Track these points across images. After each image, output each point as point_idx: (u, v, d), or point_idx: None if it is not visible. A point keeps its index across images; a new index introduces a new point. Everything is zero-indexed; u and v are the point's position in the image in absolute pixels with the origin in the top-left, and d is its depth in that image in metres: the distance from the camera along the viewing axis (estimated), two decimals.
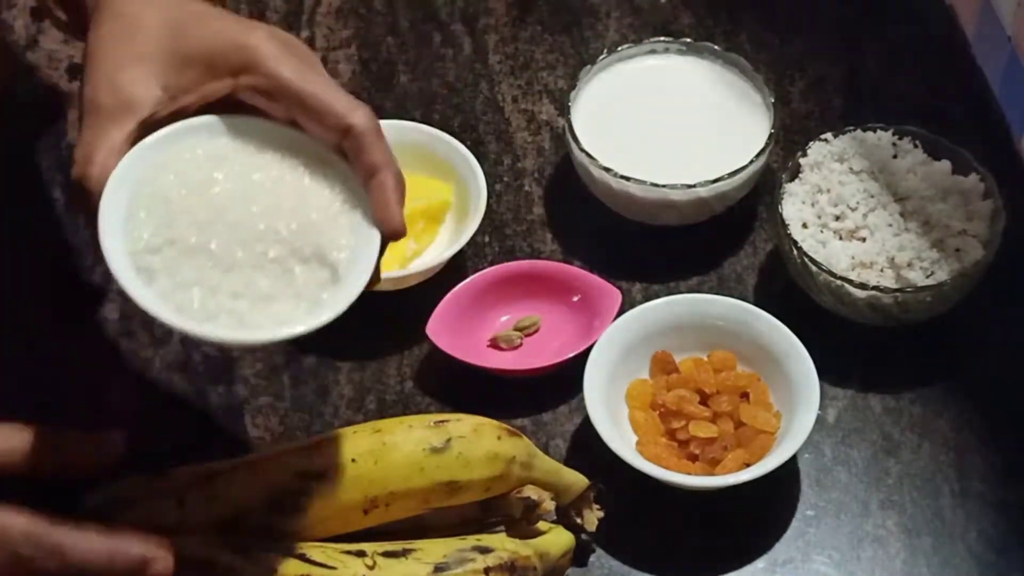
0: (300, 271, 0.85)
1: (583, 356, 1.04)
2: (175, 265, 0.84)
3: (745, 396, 1.04)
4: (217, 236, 0.84)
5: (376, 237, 0.87)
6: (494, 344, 1.10)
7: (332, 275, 0.86)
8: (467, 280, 1.10)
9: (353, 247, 0.87)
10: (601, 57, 1.18)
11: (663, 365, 1.06)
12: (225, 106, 0.88)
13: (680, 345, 1.06)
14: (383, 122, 1.17)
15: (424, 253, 1.13)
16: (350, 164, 0.88)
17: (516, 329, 1.10)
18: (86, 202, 0.85)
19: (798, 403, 1.01)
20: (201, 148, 0.87)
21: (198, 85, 0.87)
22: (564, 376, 1.06)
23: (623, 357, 1.05)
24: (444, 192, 1.14)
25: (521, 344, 1.10)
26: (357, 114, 0.87)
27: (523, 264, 1.12)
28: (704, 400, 1.04)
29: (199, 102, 0.88)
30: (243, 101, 0.88)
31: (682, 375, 1.05)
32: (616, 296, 1.09)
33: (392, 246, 1.11)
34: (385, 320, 1.10)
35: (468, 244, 1.11)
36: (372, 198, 0.87)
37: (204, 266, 0.84)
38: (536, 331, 1.10)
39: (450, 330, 1.07)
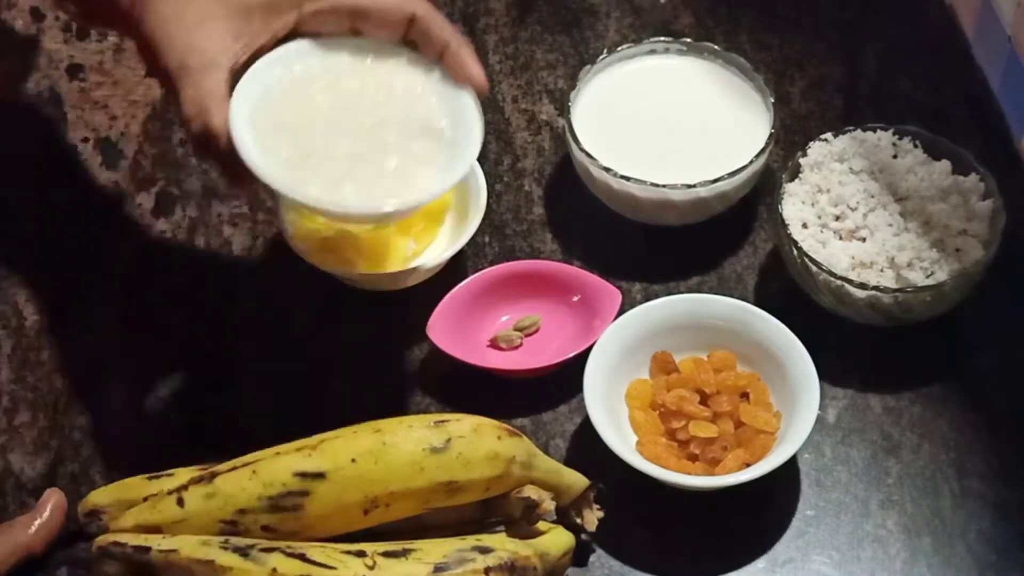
0: (418, 145, 0.99)
1: (583, 356, 1.04)
2: (320, 172, 0.96)
3: (745, 396, 1.04)
4: (340, 140, 0.97)
5: (467, 95, 0.99)
6: (494, 344, 1.10)
7: (444, 140, 0.99)
8: (467, 280, 1.10)
9: (451, 112, 0.99)
10: (601, 57, 1.18)
11: (663, 365, 1.06)
12: (291, 36, 0.99)
13: (680, 345, 1.06)
14: None
15: (424, 253, 1.13)
16: (419, 49, 0.99)
17: (516, 329, 1.10)
18: (215, 147, 0.94)
19: (798, 403, 1.01)
20: (289, 73, 0.98)
21: (266, 26, 0.97)
22: (564, 376, 1.06)
23: (623, 357, 1.05)
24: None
25: (521, 344, 1.10)
26: (415, 4, 0.98)
27: (523, 264, 1.12)
28: (704, 400, 1.04)
29: (271, 41, 0.98)
30: (306, 29, 0.99)
31: (682, 375, 1.05)
32: (616, 296, 1.09)
33: (392, 246, 1.12)
34: (385, 320, 1.10)
35: (468, 244, 1.11)
36: (451, 67, 0.99)
37: (343, 165, 0.97)
38: (536, 331, 1.10)
39: (450, 330, 1.07)
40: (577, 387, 1.03)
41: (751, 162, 1.11)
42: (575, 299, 1.10)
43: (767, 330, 1.05)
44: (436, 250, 1.13)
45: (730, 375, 1.04)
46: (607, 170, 1.11)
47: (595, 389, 1.02)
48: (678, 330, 1.06)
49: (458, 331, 1.08)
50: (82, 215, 1.17)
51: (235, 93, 0.95)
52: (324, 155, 0.97)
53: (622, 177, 1.11)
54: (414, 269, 1.10)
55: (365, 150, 0.98)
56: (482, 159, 1.15)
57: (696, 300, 1.07)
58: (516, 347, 1.10)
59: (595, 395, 1.01)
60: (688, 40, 1.19)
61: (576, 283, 1.11)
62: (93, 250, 1.15)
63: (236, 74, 0.96)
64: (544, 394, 1.07)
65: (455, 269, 1.12)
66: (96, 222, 1.17)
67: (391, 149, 0.98)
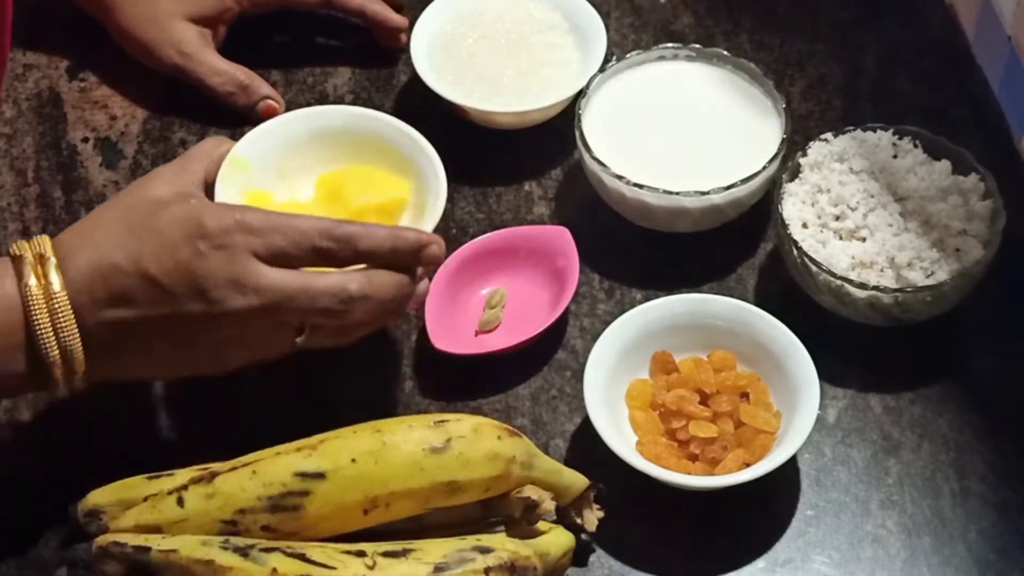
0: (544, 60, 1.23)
1: (570, 307, 1.04)
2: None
3: (745, 396, 1.04)
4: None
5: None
6: (483, 332, 1.10)
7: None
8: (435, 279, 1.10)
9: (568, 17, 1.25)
10: (610, 64, 1.18)
11: (663, 365, 1.06)
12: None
13: (680, 345, 1.06)
14: (345, 108, 1.14)
15: None
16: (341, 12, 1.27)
17: (490, 308, 1.10)
18: None
19: (798, 403, 1.01)
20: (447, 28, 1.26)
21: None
22: (564, 376, 1.06)
23: (623, 357, 1.05)
24: (402, 189, 1.06)
25: (502, 320, 1.10)
26: None
27: (471, 245, 1.12)
28: (704, 400, 1.04)
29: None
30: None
31: (682, 375, 1.05)
32: (563, 232, 1.09)
33: None
34: None
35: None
36: (374, 23, 1.27)
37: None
38: (507, 302, 1.10)
39: (446, 329, 1.07)
40: (577, 387, 1.03)
41: (764, 167, 1.11)
42: (529, 254, 1.11)
43: (767, 330, 1.05)
44: None
45: (730, 375, 1.04)
46: (620, 178, 1.11)
47: (595, 389, 1.02)
48: (678, 330, 1.06)
49: (450, 327, 1.08)
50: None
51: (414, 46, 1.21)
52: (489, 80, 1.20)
53: (635, 185, 1.10)
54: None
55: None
56: (482, 158, 1.15)
57: (696, 300, 1.07)
58: (499, 325, 1.10)
59: (595, 395, 1.01)
60: (697, 46, 1.19)
61: (522, 241, 1.11)
62: None
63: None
64: (544, 394, 1.07)
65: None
66: None
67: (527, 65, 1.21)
